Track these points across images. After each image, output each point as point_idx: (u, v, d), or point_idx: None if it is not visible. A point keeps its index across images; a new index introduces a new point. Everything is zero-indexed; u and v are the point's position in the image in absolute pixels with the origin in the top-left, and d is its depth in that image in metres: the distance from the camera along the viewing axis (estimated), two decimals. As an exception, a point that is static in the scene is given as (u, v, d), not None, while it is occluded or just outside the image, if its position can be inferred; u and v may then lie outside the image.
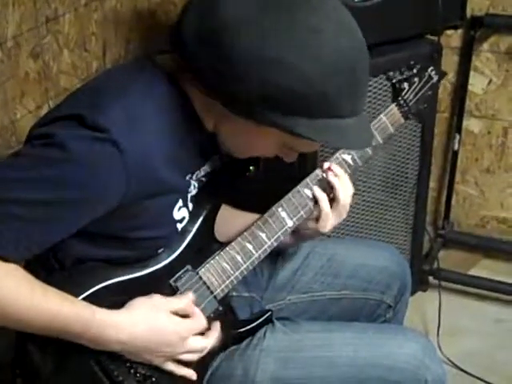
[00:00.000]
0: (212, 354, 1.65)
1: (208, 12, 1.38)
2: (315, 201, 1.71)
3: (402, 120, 1.81)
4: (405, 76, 1.79)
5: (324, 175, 1.70)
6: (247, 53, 1.34)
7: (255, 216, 1.74)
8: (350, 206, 1.74)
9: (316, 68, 1.35)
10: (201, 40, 1.38)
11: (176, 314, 1.52)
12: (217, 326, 1.61)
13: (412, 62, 1.80)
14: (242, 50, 1.34)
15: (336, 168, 1.70)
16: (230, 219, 1.74)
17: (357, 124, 1.45)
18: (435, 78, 1.83)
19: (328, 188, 1.70)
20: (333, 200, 1.70)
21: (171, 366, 1.54)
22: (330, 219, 1.71)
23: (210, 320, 1.60)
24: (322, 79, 1.36)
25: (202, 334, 1.57)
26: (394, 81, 1.79)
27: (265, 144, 1.52)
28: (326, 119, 1.39)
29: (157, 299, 1.51)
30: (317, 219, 1.72)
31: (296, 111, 1.37)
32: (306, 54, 1.35)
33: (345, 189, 1.70)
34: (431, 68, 1.82)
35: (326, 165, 1.71)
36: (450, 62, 2.87)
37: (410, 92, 1.79)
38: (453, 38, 2.86)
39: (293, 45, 1.34)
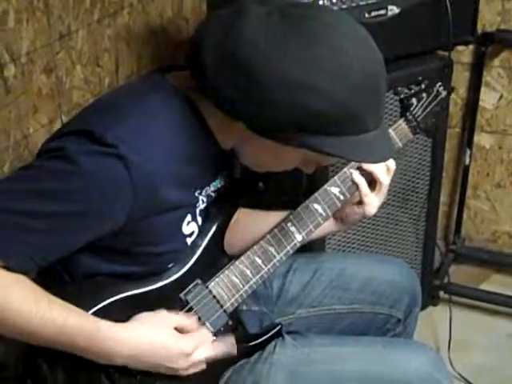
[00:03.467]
0: (222, 367, 1.66)
1: (229, 38, 1.38)
2: (324, 217, 1.72)
3: (411, 135, 1.81)
4: (413, 91, 1.79)
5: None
6: (275, 79, 1.34)
7: (265, 229, 1.74)
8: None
9: (344, 88, 1.36)
10: (223, 67, 1.38)
11: (181, 329, 1.52)
12: (224, 339, 1.61)
13: (420, 78, 1.80)
14: (269, 76, 1.34)
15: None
16: (239, 232, 1.75)
17: (380, 135, 1.47)
18: (443, 94, 1.83)
19: (366, 175, 1.75)
20: (373, 182, 1.74)
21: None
22: (375, 201, 1.75)
23: (219, 334, 1.61)
24: (349, 99, 1.37)
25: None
26: (402, 96, 1.79)
27: (289, 161, 1.53)
28: (353, 136, 1.41)
29: (162, 315, 1.51)
30: (359, 203, 1.75)
31: (324, 131, 1.38)
32: (333, 75, 1.35)
33: (381, 169, 1.74)
34: (439, 83, 1.82)
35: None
36: (460, 77, 2.88)
37: (418, 107, 1.80)
38: (464, 54, 2.87)
39: (320, 66, 1.34)
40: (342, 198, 1.75)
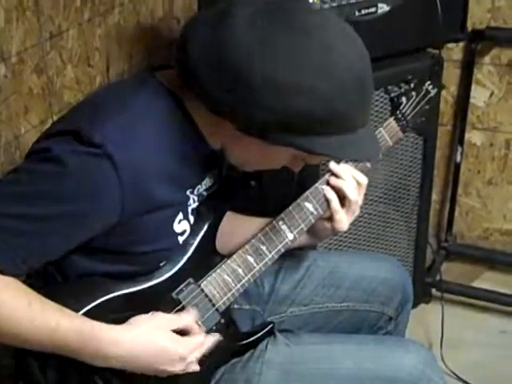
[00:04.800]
0: (214, 366, 1.66)
1: (216, 40, 1.38)
2: (315, 215, 1.72)
3: (401, 134, 1.82)
4: (402, 90, 1.80)
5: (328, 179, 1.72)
6: (262, 81, 1.34)
7: (256, 228, 1.74)
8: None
9: (331, 87, 1.36)
10: (212, 67, 1.38)
11: (178, 331, 1.52)
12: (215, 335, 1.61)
13: (410, 77, 1.81)
14: (257, 78, 1.34)
15: (336, 167, 1.71)
16: (231, 232, 1.75)
17: (367, 133, 1.48)
18: (433, 92, 1.83)
19: (335, 188, 1.72)
20: (343, 199, 1.72)
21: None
22: (344, 218, 1.72)
23: (212, 332, 1.61)
24: (336, 99, 1.37)
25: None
26: (391, 95, 1.80)
27: (277, 159, 1.54)
28: (341, 135, 1.41)
29: (158, 317, 1.51)
30: (330, 219, 1.73)
31: (312, 131, 1.39)
32: (320, 76, 1.36)
33: (350, 185, 1.71)
34: (428, 82, 1.82)
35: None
36: (451, 74, 2.89)
37: (407, 106, 1.80)
38: (454, 51, 2.88)
39: (307, 68, 1.35)
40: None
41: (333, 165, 1.72)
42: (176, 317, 1.54)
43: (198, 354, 1.54)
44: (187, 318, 1.55)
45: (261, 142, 1.43)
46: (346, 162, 1.73)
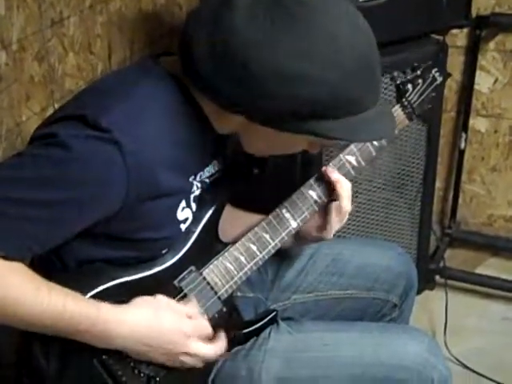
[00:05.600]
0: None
1: (219, 30, 1.37)
2: (319, 204, 1.71)
3: (407, 121, 1.80)
4: (408, 77, 1.78)
5: (326, 179, 1.71)
6: (269, 71, 1.34)
7: (259, 217, 1.74)
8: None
9: (339, 74, 1.36)
10: (215, 61, 1.37)
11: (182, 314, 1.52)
12: (223, 336, 1.60)
13: (416, 64, 1.79)
14: (263, 69, 1.34)
15: (336, 175, 1.70)
16: (234, 220, 1.74)
17: (379, 111, 1.47)
18: (439, 80, 1.82)
19: (331, 195, 1.71)
20: (336, 207, 1.71)
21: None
22: (335, 226, 1.72)
23: (214, 320, 1.61)
24: (345, 83, 1.37)
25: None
26: (397, 82, 1.78)
27: (293, 146, 1.55)
28: (353, 116, 1.41)
29: (161, 298, 1.51)
30: (320, 227, 1.73)
31: (325, 116, 1.39)
32: (327, 63, 1.35)
33: (346, 195, 1.70)
34: (435, 69, 1.80)
35: (324, 170, 1.70)
36: (455, 61, 2.88)
37: (413, 93, 1.78)
38: (458, 38, 2.87)
39: (313, 55, 1.34)
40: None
41: (333, 173, 1.70)
42: (178, 302, 1.55)
43: (203, 348, 1.54)
44: (190, 305, 1.55)
45: (274, 130, 1.43)
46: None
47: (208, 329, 1.57)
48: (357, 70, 1.38)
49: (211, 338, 1.58)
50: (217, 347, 1.57)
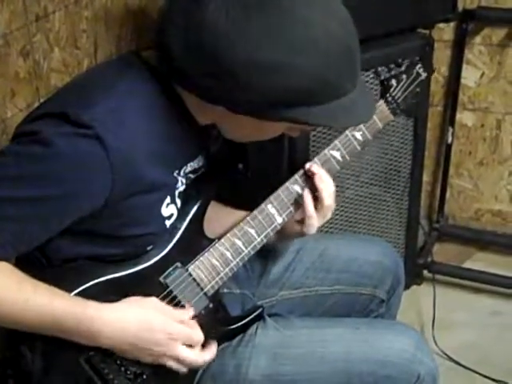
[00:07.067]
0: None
1: (192, 24, 1.37)
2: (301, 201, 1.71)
3: (391, 116, 1.80)
4: (393, 73, 1.78)
5: (309, 174, 1.70)
6: (244, 63, 1.34)
7: (244, 212, 1.73)
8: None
9: (315, 61, 1.36)
10: (191, 56, 1.37)
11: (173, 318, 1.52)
12: (213, 347, 1.60)
13: (400, 59, 1.79)
14: (238, 61, 1.34)
15: (318, 169, 1.69)
16: (219, 216, 1.74)
17: (359, 94, 1.47)
18: (423, 75, 1.82)
19: (312, 189, 1.70)
20: (317, 202, 1.69)
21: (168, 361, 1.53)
22: (316, 222, 1.70)
23: (201, 317, 1.60)
24: (322, 69, 1.37)
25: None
26: (382, 77, 1.78)
27: (272, 131, 1.55)
28: (333, 101, 1.41)
29: (154, 300, 1.51)
30: (301, 221, 1.71)
31: (304, 103, 1.39)
32: (300, 50, 1.35)
33: (328, 190, 1.69)
34: (419, 65, 1.80)
35: (307, 165, 1.70)
36: (442, 55, 2.88)
37: (397, 89, 1.79)
38: (445, 31, 2.86)
39: (285, 43, 1.34)
40: None
41: (316, 168, 1.69)
42: (175, 309, 1.55)
43: (192, 354, 1.53)
44: (185, 312, 1.55)
45: (253, 118, 1.43)
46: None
47: (199, 337, 1.55)
48: (332, 53, 1.38)
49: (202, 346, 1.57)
50: (205, 356, 1.57)
